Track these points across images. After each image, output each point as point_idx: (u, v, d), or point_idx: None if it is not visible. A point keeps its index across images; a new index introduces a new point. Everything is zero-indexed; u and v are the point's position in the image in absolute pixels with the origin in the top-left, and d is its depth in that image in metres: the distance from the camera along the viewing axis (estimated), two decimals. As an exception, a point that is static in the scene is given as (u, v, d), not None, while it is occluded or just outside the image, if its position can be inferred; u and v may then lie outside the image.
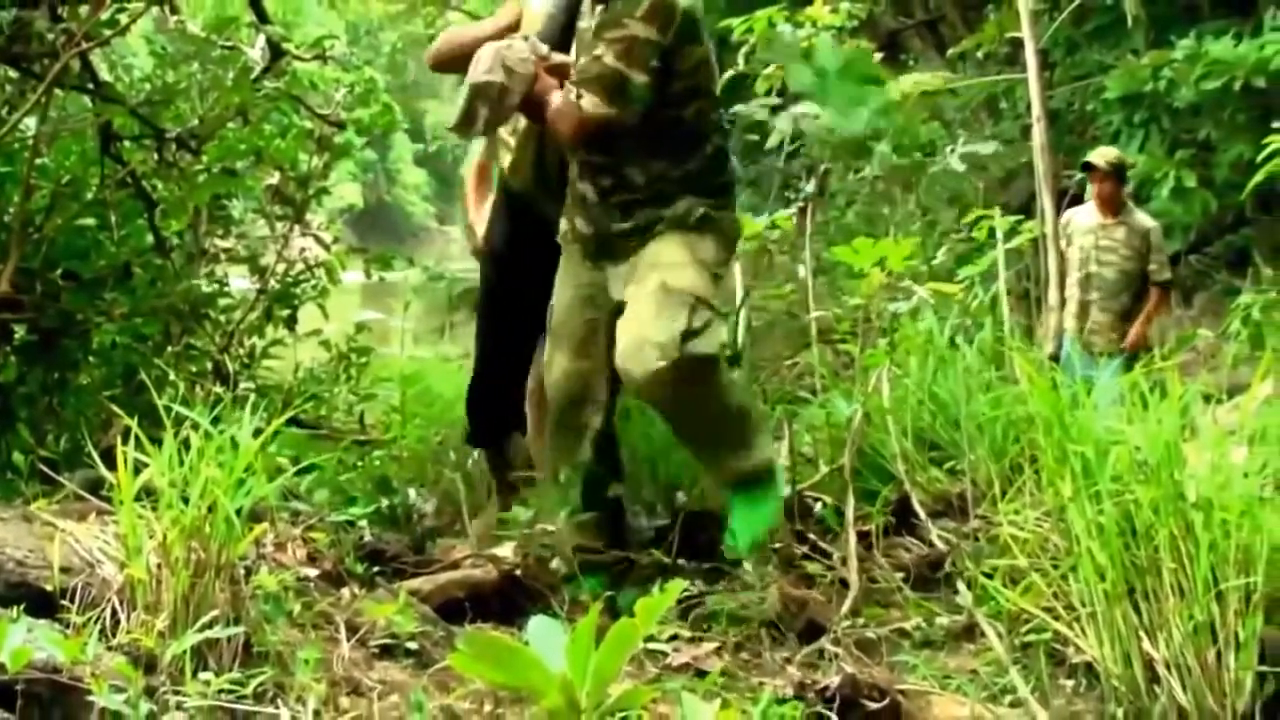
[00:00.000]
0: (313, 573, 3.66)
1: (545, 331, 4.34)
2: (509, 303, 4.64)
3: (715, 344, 3.93)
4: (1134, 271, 6.51)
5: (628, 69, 3.80)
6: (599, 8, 3.97)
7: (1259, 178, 5.28)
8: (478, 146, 5.05)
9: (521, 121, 4.42)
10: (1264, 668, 3.37)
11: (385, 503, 4.43)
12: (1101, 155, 6.63)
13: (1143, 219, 6.62)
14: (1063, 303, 6.57)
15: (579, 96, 3.85)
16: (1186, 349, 5.05)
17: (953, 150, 7.05)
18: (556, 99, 3.95)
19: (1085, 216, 6.72)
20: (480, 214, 4.86)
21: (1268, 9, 6.78)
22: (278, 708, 2.91)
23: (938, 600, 4.00)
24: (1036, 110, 7.13)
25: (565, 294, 4.21)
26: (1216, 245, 7.99)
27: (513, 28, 4.51)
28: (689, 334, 3.80)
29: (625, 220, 4.05)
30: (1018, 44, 7.51)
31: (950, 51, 7.51)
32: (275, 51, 5.28)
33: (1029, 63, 7.15)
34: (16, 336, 4.47)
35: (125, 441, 3.21)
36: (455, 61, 4.35)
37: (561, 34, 4.31)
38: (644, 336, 3.81)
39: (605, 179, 4.07)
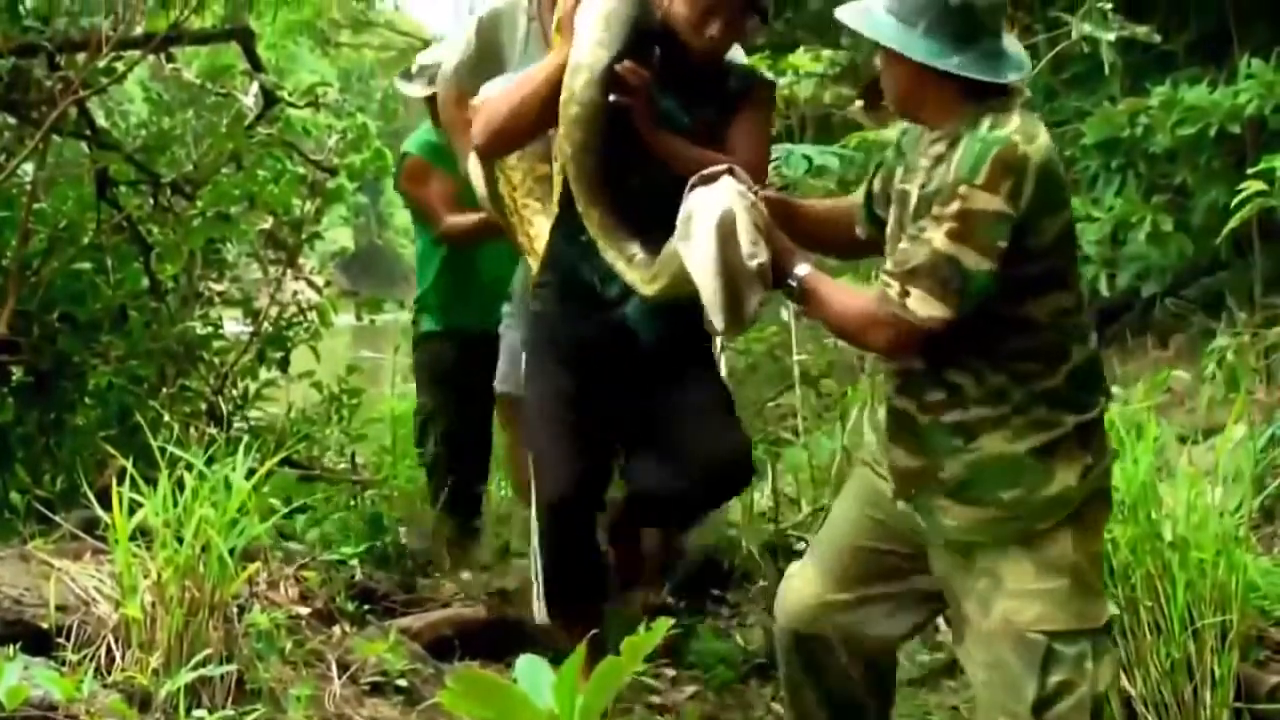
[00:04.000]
0: (305, 611, 3.71)
1: None
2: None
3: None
4: None
5: (964, 253, 2.72)
6: (932, 147, 2.86)
7: (1234, 222, 5.35)
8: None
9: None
10: (1240, 704, 3.44)
11: (376, 541, 4.49)
12: None
13: None
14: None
15: (903, 293, 2.77)
16: (1162, 390, 5.10)
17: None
18: (822, 282, 2.96)
19: None
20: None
21: (1242, 57, 6.89)
22: (272, 743, 2.96)
23: (919, 638, 4.06)
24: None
25: (847, 506, 3.18)
26: (1192, 288, 8.07)
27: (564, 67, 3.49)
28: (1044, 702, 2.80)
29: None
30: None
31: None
32: (269, 99, 5.35)
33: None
34: (14, 378, 4.52)
35: (120, 482, 3.26)
36: (521, 135, 3.58)
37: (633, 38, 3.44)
38: (995, 704, 2.86)
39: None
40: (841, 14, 2.91)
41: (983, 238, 2.70)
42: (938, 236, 2.72)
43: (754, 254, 2.87)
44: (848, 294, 2.95)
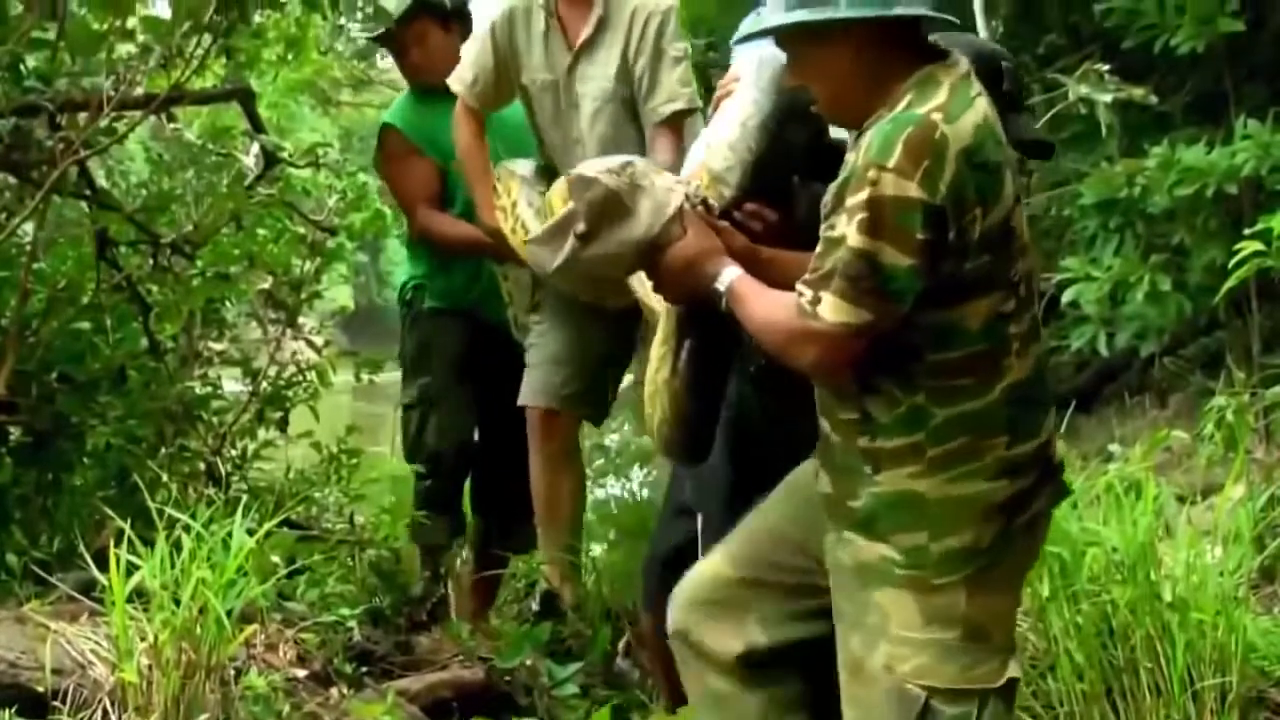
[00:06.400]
0: (302, 673, 3.70)
1: None
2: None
3: None
4: None
5: (879, 248, 2.37)
6: (860, 139, 2.49)
7: (1232, 282, 5.35)
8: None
9: None
10: (1240, 765, 3.42)
11: (375, 602, 4.48)
12: None
13: None
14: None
15: (815, 300, 2.43)
16: (1161, 450, 5.09)
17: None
18: (751, 288, 2.60)
19: None
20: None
21: (1238, 117, 6.92)
22: (268, 807, 2.94)
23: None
24: (1014, 216, 7.25)
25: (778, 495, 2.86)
26: (1190, 348, 8.07)
27: None
28: None
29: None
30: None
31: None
32: (269, 159, 5.38)
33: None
34: (12, 438, 4.52)
35: (118, 543, 3.26)
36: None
37: (769, 170, 2.89)
38: None
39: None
40: (747, 31, 2.66)
41: (898, 228, 2.35)
42: (850, 231, 2.38)
43: (600, 173, 2.72)
44: (775, 304, 2.55)
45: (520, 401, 4.42)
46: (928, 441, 2.48)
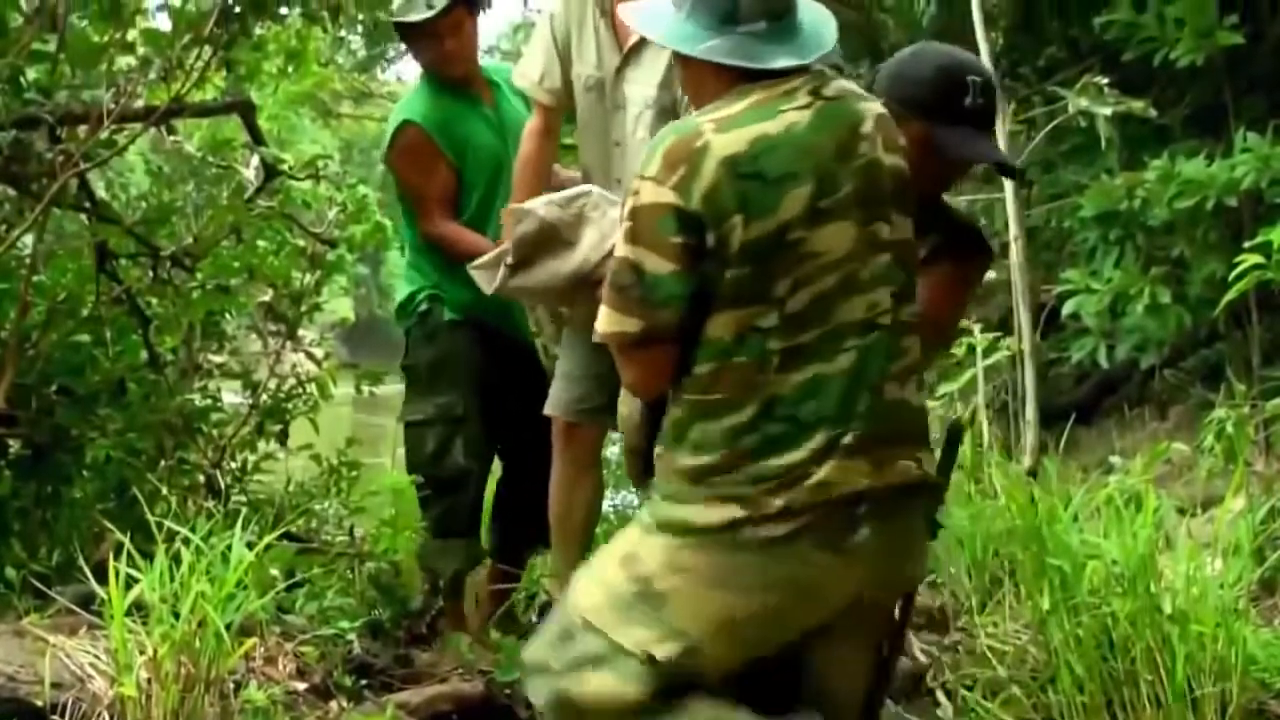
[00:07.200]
0: (301, 687, 3.69)
1: None
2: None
3: None
4: None
5: (641, 255, 2.45)
6: None
7: (1232, 294, 5.37)
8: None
9: None
10: (1240, 778, 3.42)
11: (375, 615, 4.47)
12: None
13: None
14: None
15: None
16: (1161, 462, 5.10)
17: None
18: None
19: None
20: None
21: (1238, 130, 6.93)
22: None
23: (919, 712, 4.04)
24: (1014, 229, 7.27)
25: None
26: (1190, 360, 8.08)
27: None
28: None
29: None
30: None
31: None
32: (269, 171, 5.38)
33: (1006, 182, 7.31)
34: (11, 451, 4.52)
35: (117, 556, 3.26)
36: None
37: None
38: None
39: None
40: (625, 13, 2.74)
41: (653, 235, 2.42)
42: (619, 242, 2.48)
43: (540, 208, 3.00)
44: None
45: (544, 410, 4.33)
46: (685, 452, 2.50)
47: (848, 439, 2.45)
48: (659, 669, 2.49)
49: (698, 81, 2.59)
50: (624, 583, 2.54)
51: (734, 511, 2.44)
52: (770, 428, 2.44)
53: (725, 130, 2.43)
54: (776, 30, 2.52)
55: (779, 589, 2.47)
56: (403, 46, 4.94)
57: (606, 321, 2.49)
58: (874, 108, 2.58)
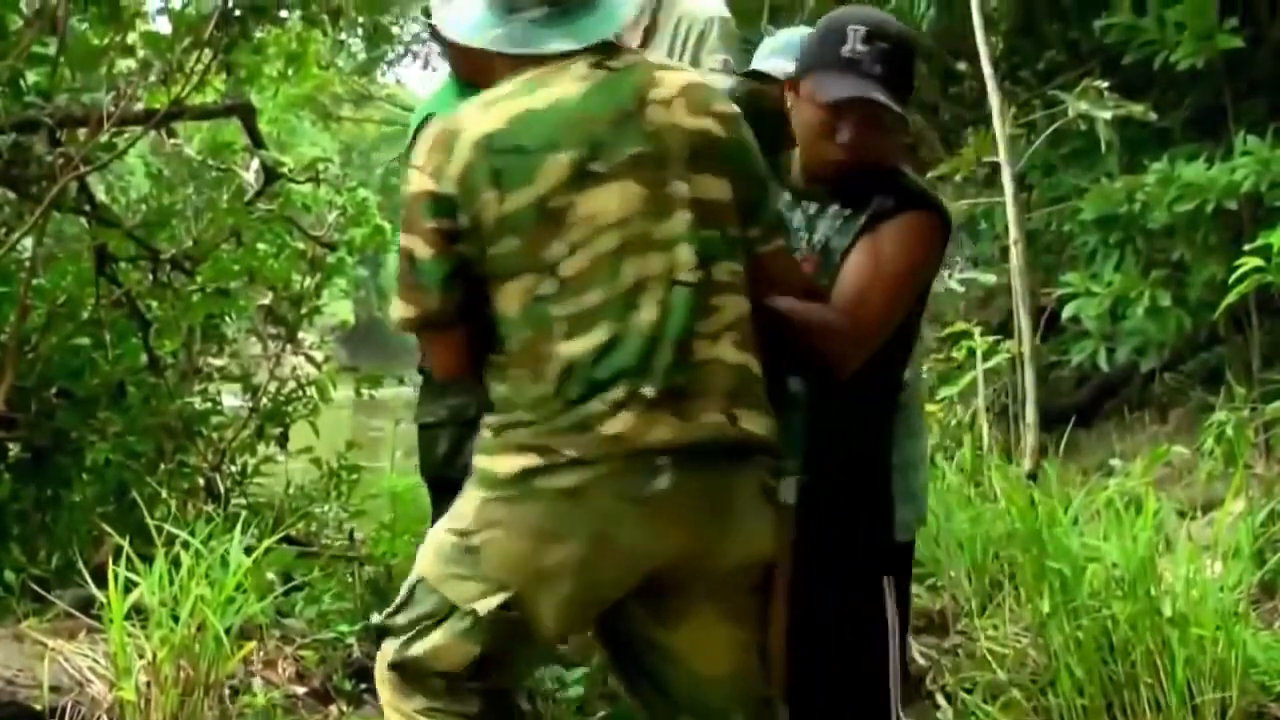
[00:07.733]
0: (301, 690, 3.69)
1: None
2: None
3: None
4: None
5: (412, 242, 2.52)
6: None
7: (1231, 298, 5.37)
8: None
9: None
10: (1240, 781, 3.41)
11: (374, 618, 4.46)
12: None
13: None
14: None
15: None
16: (1161, 465, 5.10)
17: (950, 275, 7.22)
18: None
19: None
20: None
21: (1238, 133, 6.93)
22: (266, 825, 2.93)
23: (920, 715, 4.03)
24: (1014, 233, 7.27)
25: None
26: (1190, 363, 8.07)
27: None
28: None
29: None
30: (996, 167, 7.69)
31: (930, 174, 7.63)
32: (269, 174, 5.38)
33: (1006, 186, 7.30)
34: (10, 454, 4.51)
35: (116, 560, 3.25)
36: None
37: None
38: None
39: None
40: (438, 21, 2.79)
41: (417, 222, 2.49)
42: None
43: None
44: None
45: None
46: (499, 429, 2.50)
47: (648, 391, 2.43)
48: (485, 622, 2.50)
49: (488, 70, 2.62)
50: (448, 539, 2.56)
51: (529, 460, 2.45)
52: (571, 390, 2.44)
53: (487, 109, 2.49)
54: (555, 15, 2.57)
55: (581, 539, 2.45)
56: (402, 49, 4.95)
57: (393, 308, 2.57)
58: (679, 77, 2.59)
